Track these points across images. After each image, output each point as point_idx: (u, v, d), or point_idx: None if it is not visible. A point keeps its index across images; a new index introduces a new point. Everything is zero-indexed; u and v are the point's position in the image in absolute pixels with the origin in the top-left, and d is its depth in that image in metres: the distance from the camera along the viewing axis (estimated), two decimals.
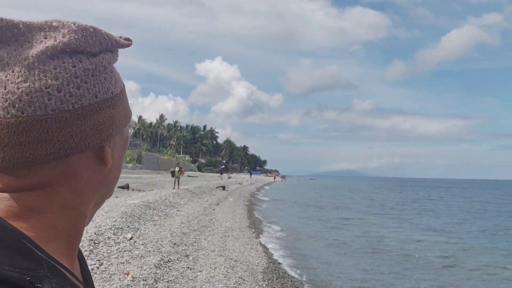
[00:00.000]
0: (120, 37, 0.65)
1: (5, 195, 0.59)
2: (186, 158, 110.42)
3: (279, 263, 11.14)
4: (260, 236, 14.74)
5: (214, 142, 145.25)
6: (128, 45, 0.66)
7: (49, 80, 0.56)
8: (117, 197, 18.15)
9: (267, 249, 12.65)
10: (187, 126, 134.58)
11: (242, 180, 68.66)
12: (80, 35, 0.59)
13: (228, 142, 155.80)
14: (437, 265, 12.75)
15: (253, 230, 14.75)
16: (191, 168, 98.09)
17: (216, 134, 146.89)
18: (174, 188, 24.40)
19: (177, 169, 26.19)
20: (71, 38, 0.58)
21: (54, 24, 0.59)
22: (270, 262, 10.56)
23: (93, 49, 0.60)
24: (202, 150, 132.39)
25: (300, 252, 13.43)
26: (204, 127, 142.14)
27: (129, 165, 63.60)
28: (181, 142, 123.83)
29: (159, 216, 13.04)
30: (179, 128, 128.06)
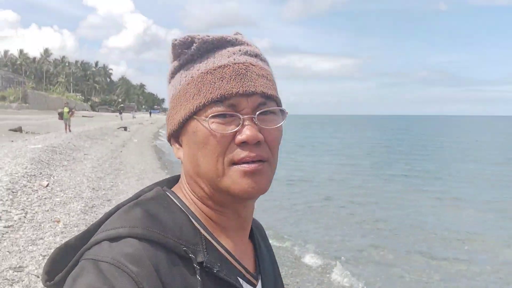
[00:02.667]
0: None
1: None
2: (78, 96, 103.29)
3: None
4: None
5: (108, 79, 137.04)
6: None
7: None
8: (12, 141, 16.81)
9: None
10: (76, 62, 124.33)
11: (142, 119, 66.84)
12: None
13: (124, 80, 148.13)
14: None
15: (166, 171, 14.89)
16: (83, 107, 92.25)
17: (110, 71, 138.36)
18: (66, 132, 21.30)
19: (66, 109, 22.36)
20: None
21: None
22: None
23: None
24: (95, 88, 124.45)
25: None
26: (96, 63, 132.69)
27: (14, 105, 57.90)
28: (71, 79, 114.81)
29: (68, 160, 12.53)
30: (67, 64, 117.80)
